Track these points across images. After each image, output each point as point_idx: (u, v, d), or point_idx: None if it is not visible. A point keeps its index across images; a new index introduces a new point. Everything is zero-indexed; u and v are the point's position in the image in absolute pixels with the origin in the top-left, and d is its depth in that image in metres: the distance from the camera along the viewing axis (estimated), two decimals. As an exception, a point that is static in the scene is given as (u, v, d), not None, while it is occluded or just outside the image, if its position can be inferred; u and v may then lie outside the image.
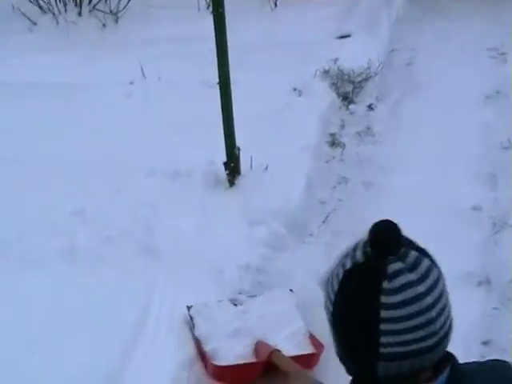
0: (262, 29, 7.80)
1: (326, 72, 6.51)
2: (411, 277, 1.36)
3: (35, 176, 5.01)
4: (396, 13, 8.37)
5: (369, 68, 6.55)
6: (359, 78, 6.48)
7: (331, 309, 1.43)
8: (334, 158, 5.69)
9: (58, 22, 8.08)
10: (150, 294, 4.03)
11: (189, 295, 4.00)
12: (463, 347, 3.70)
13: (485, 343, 3.77)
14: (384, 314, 1.33)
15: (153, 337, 3.74)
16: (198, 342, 3.60)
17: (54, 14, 8.16)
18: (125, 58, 6.92)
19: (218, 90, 4.83)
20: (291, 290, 4.04)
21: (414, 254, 1.40)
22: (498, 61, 7.14)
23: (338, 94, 6.39)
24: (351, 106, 6.37)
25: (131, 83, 6.51)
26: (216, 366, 3.38)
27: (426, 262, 1.41)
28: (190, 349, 3.66)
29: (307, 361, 3.47)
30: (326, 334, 3.44)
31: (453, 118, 6.15)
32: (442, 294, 1.42)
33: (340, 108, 6.33)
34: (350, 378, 1.56)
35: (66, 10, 8.21)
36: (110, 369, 3.50)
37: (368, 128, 6.13)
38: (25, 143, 5.54)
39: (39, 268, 4.15)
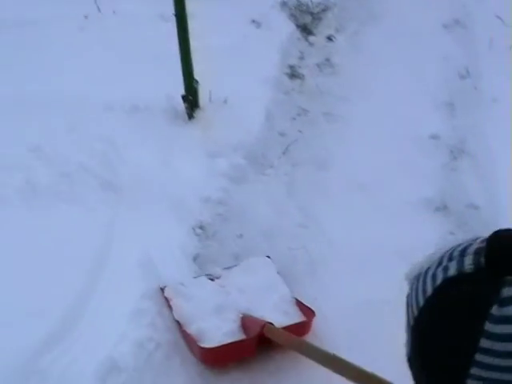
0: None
1: (285, 3, 6.40)
2: None
3: (-11, 114, 4.86)
4: None
5: (327, -2, 6.45)
6: (318, 9, 6.38)
7: (416, 314, 1.14)
8: (293, 89, 5.63)
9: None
10: (111, 228, 3.99)
11: (150, 228, 3.97)
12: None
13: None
14: (484, 343, 1.06)
15: (114, 270, 3.72)
16: (179, 325, 3.37)
17: None
18: (79, -9, 6.68)
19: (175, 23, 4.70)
20: (268, 257, 3.83)
21: None
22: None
23: (297, 26, 6.30)
24: (310, 38, 6.29)
25: (86, 17, 6.29)
26: (205, 348, 3.14)
27: None
28: (152, 282, 3.66)
29: (300, 329, 3.31)
30: (312, 299, 3.48)
31: (411, 47, 6.11)
32: None
33: (299, 39, 6.25)
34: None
35: None
36: (73, 302, 3.47)
37: (327, 59, 6.06)
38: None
39: (-3, 205, 4.06)
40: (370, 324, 3.45)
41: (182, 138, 4.76)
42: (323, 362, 2.74)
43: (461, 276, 1.08)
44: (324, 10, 6.40)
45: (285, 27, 6.19)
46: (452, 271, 1.09)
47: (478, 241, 1.10)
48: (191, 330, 3.24)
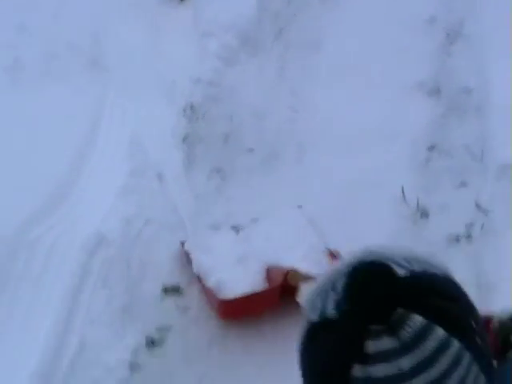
0: None
1: None
2: (402, 363, 0.81)
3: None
4: None
5: None
6: None
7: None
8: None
9: None
10: (100, 107, 3.93)
11: (139, 108, 3.92)
12: (411, 151, 3.75)
13: (430, 148, 3.78)
14: None
15: (103, 149, 3.69)
16: (198, 280, 3.07)
17: None
18: None
19: None
20: (300, 207, 3.41)
21: (417, 322, 0.80)
22: None
23: None
24: None
25: None
26: (223, 300, 2.84)
27: (435, 342, 0.80)
28: (141, 161, 3.64)
29: None
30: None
31: None
32: None
33: None
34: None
35: None
36: (62, 178, 3.47)
37: None
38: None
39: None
40: (355, 202, 3.46)
41: (173, 18, 4.61)
42: None
43: (323, 323, 0.87)
44: None
45: None
46: (315, 316, 0.88)
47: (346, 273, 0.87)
48: (210, 282, 2.92)
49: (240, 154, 3.96)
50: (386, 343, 0.80)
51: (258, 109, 4.10)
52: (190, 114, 4.03)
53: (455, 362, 0.80)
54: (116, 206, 3.39)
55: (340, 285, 0.86)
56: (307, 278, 2.70)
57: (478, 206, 3.24)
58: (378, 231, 3.33)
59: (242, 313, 2.87)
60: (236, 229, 3.33)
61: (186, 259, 3.17)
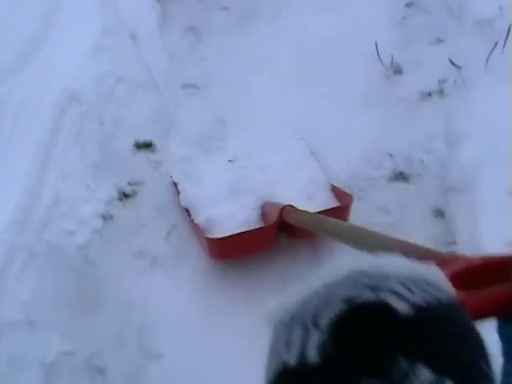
0: None
1: None
2: None
3: None
4: None
5: None
6: None
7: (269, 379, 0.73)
8: None
9: None
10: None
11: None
12: (387, 9, 3.62)
13: (408, 5, 3.66)
14: None
15: (75, 5, 3.54)
16: (187, 214, 2.73)
17: None
18: None
19: None
20: (303, 139, 3.06)
21: (424, 377, 0.63)
22: None
23: None
24: None
25: None
26: (211, 239, 2.47)
27: None
28: (113, 18, 3.51)
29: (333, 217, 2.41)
30: (353, 186, 2.74)
31: None
32: None
33: None
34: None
35: None
36: (31, 35, 3.34)
37: None
38: None
39: None
40: (330, 59, 3.39)
41: None
42: (354, 239, 1.88)
43: (302, 370, 0.67)
44: None
45: None
46: (291, 357, 0.67)
47: (338, 303, 0.67)
48: (200, 219, 2.59)
49: (215, 12, 3.83)
50: None
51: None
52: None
53: None
54: (88, 64, 3.29)
55: (325, 320, 0.66)
56: (302, 211, 2.32)
57: (451, 62, 3.17)
58: (351, 88, 3.29)
59: (232, 253, 2.49)
60: (229, 158, 2.97)
61: (175, 191, 2.86)
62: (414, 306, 0.66)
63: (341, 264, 0.71)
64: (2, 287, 2.28)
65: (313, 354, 0.65)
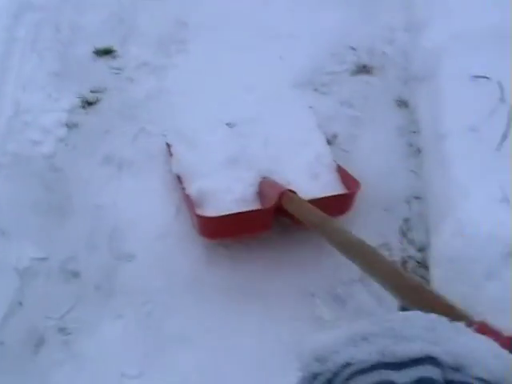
0: None
1: None
2: None
3: None
4: None
5: None
6: None
7: None
8: None
9: None
10: None
11: None
12: None
13: None
14: None
15: None
16: (179, 182, 2.43)
17: None
18: None
19: None
20: (310, 107, 2.76)
21: None
22: None
23: None
24: None
25: None
26: (202, 217, 2.20)
27: None
28: None
29: (336, 205, 2.25)
30: (362, 171, 2.33)
31: None
32: None
33: None
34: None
35: None
36: None
37: None
38: None
39: None
40: None
41: None
42: (359, 261, 1.67)
43: None
44: None
45: None
46: None
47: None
48: (191, 190, 2.31)
49: None
50: None
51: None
52: None
53: None
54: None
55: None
56: (304, 203, 2.10)
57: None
58: None
59: (223, 234, 2.25)
60: (230, 124, 2.64)
61: (167, 151, 2.59)
62: None
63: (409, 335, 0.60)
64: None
65: None
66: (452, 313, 1.27)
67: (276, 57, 2.96)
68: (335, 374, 0.60)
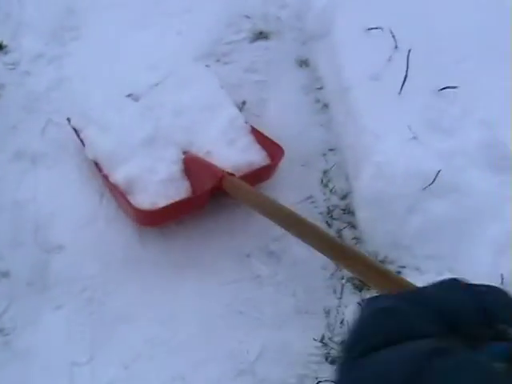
0: None
1: None
2: None
3: None
4: None
5: None
6: None
7: None
8: None
9: None
10: None
11: None
12: None
13: None
14: None
15: None
16: (97, 168, 2.30)
17: None
18: None
19: None
20: (207, 66, 2.71)
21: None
22: None
23: None
24: None
25: None
26: (139, 210, 2.12)
27: None
28: None
29: (264, 173, 2.29)
30: (275, 132, 2.29)
31: None
32: None
33: None
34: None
35: None
36: None
37: None
38: None
39: None
40: None
41: None
42: (297, 231, 1.84)
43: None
44: None
45: None
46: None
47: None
48: (117, 178, 2.20)
49: None
50: None
51: None
52: None
53: None
54: None
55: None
56: (244, 186, 2.09)
57: None
58: None
59: (162, 221, 2.21)
60: (134, 96, 2.54)
61: (77, 138, 2.41)
62: None
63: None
64: None
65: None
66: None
67: (174, 33, 2.94)
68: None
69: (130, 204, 2.12)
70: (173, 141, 2.32)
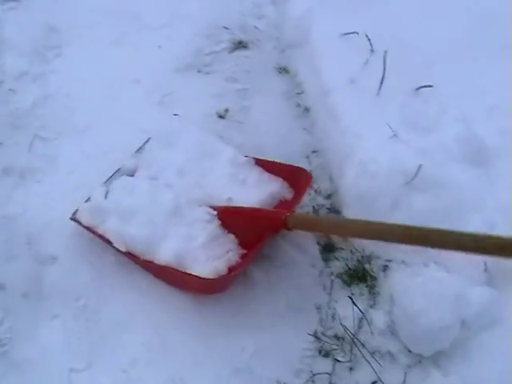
0: None
1: None
2: None
3: None
4: None
5: None
6: None
7: None
8: None
9: None
10: None
11: None
12: None
13: None
14: None
15: None
16: (133, 257, 2.15)
17: None
18: None
19: None
20: (176, 114, 2.65)
21: None
22: None
23: None
24: None
25: None
26: (207, 279, 2.00)
27: None
28: None
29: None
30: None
31: None
32: None
33: None
34: None
35: None
36: None
37: None
38: None
39: None
40: None
41: None
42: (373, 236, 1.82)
43: None
44: None
45: None
46: None
47: None
48: (165, 259, 2.07)
49: None
50: None
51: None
52: None
53: None
54: None
55: None
56: (308, 216, 2.14)
57: None
58: None
59: (232, 283, 2.09)
60: (127, 172, 2.44)
61: (92, 235, 2.22)
62: None
63: None
64: None
65: None
66: None
67: (155, 47, 2.97)
68: None
69: (195, 277, 1.99)
70: (194, 200, 2.23)
